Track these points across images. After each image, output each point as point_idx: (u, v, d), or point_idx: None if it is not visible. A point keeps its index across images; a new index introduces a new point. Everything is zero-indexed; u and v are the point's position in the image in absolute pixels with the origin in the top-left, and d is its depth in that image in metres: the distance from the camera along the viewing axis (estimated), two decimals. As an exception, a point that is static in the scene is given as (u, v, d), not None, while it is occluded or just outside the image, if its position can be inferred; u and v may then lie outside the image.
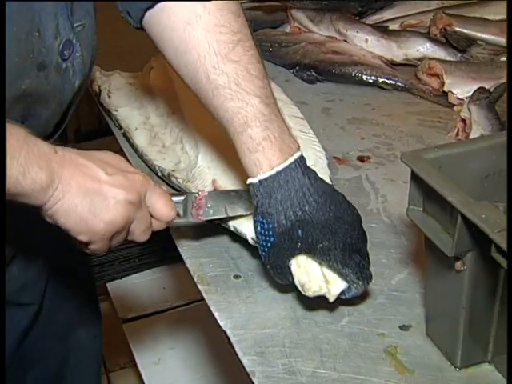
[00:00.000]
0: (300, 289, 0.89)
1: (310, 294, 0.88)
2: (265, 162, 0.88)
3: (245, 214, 0.98)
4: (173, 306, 2.14)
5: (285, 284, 0.92)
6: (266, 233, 0.89)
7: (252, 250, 1.02)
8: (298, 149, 0.92)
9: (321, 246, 0.87)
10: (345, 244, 0.88)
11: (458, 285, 0.79)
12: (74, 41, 0.90)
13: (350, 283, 0.89)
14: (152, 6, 0.97)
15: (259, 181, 0.89)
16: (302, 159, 0.90)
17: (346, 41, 1.61)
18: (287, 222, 0.88)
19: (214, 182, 1.07)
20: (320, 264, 0.89)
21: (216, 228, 1.06)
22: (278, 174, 0.88)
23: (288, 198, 0.88)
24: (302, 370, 0.84)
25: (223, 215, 0.99)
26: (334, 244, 0.87)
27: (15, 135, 0.76)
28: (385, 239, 1.05)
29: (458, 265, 0.77)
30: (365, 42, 1.59)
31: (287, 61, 1.57)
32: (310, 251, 0.88)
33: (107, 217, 0.82)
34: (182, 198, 0.97)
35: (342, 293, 0.90)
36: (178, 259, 1.05)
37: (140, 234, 0.88)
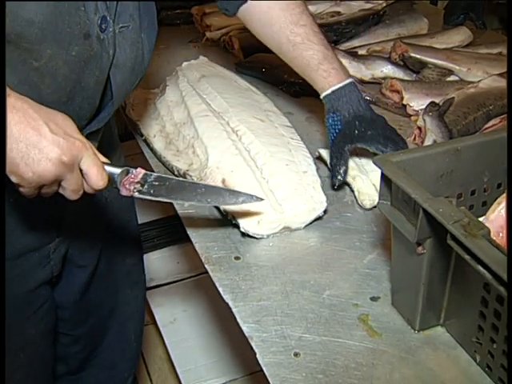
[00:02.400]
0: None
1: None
2: (335, 80, 1.10)
3: (173, 202, 0.91)
4: (185, 277, 2.12)
5: (337, 176, 1.08)
6: (336, 123, 1.09)
7: (248, 235, 0.99)
8: (351, 77, 1.14)
9: (369, 133, 1.08)
10: (385, 132, 1.09)
11: (419, 265, 0.77)
12: (108, 17, 0.87)
13: None
14: (245, 2, 1.15)
15: (332, 91, 1.09)
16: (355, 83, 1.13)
17: (323, 63, 1.58)
18: (349, 115, 1.09)
19: (223, 180, 1.03)
20: (368, 147, 1.08)
21: (219, 219, 1.04)
22: (344, 86, 1.10)
23: (350, 100, 1.09)
24: (291, 335, 0.82)
25: (151, 198, 0.86)
26: (377, 132, 1.08)
27: None
28: (358, 226, 1.03)
29: (419, 249, 0.75)
30: (339, 64, 1.56)
31: (277, 79, 1.54)
32: (362, 138, 1.07)
33: (37, 169, 0.72)
34: (120, 170, 0.83)
35: None
36: (188, 239, 1.02)
37: (70, 192, 0.78)
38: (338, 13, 1.86)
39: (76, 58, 0.83)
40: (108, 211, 1.15)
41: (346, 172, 1.08)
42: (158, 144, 1.21)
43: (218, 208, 1.03)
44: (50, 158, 0.73)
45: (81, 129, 0.83)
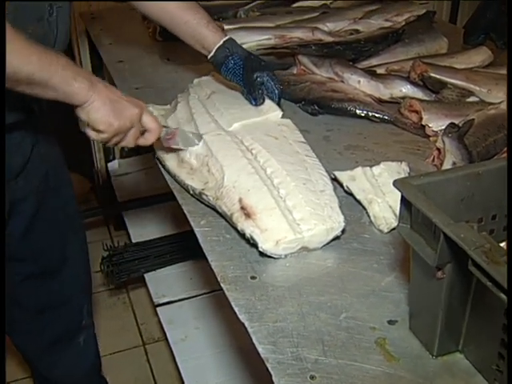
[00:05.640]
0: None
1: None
2: (222, 34, 1.36)
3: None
4: (198, 293, 2.12)
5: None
6: (237, 61, 1.32)
7: (265, 255, 0.99)
8: None
9: (262, 63, 1.35)
10: (266, 63, 1.37)
11: (438, 290, 0.77)
12: (52, 4, 1.14)
13: None
14: None
15: (224, 41, 1.33)
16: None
17: (342, 81, 1.58)
18: (244, 54, 1.34)
19: (240, 200, 1.04)
20: (263, 73, 1.32)
21: (235, 238, 1.04)
22: (230, 37, 1.35)
23: (238, 45, 1.36)
24: (307, 357, 0.82)
25: (183, 147, 1.20)
26: (264, 62, 1.35)
27: (66, 58, 1.01)
28: (375, 247, 1.03)
29: (439, 274, 0.75)
30: (358, 83, 1.56)
31: (294, 97, 1.55)
32: (260, 66, 1.33)
33: (122, 120, 1.05)
34: (165, 129, 1.17)
35: None
36: (202, 256, 1.03)
37: (131, 139, 1.09)
38: (357, 31, 1.87)
39: (31, 36, 1.04)
40: (44, 164, 1.35)
41: (262, 93, 1.32)
42: (170, 162, 1.21)
43: (234, 227, 1.03)
44: (129, 112, 1.06)
45: None
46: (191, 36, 1.34)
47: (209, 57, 1.35)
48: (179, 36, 1.37)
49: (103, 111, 1.02)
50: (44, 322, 1.55)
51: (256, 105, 1.31)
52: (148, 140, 1.13)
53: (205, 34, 1.33)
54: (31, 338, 1.58)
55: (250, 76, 1.31)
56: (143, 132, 1.11)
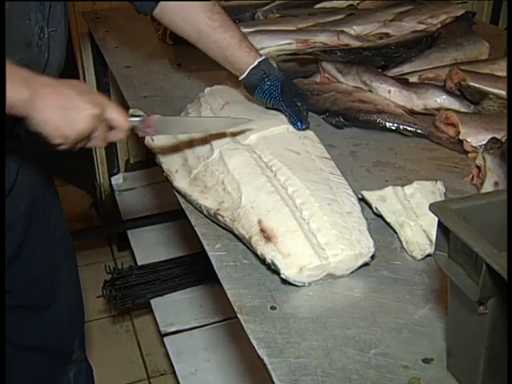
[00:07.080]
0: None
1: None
2: (257, 53, 1.34)
3: (179, 135, 1.27)
4: (209, 322, 2.12)
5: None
6: (274, 83, 1.32)
7: (286, 283, 0.99)
8: None
9: (300, 91, 1.36)
10: (304, 92, 1.40)
11: (480, 326, 0.76)
12: (44, 27, 1.13)
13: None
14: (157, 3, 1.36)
15: (259, 62, 1.32)
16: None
17: (370, 91, 1.59)
18: (281, 77, 1.34)
19: (259, 221, 1.04)
20: (300, 102, 1.32)
21: (253, 263, 1.04)
22: (266, 57, 1.35)
23: (275, 68, 1.36)
24: (332, 398, 0.81)
25: (161, 134, 1.23)
26: (302, 90, 1.38)
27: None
28: (407, 276, 1.02)
29: (481, 309, 0.74)
30: (388, 93, 1.56)
31: (318, 107, 1.55)
32: (298, 94, 1.34)
33: (78, 126, 0.97)
34: (138, 118, 1.13)
35: None
36: (214, 280, 1.03)
37: (99, 141, 1.03)
38: (387, 34, 1.88)
39: (19, 62, 1.01)
40: (31, 188, 1.36)
41: (306, 116, 1.32)
42: (180, 181, 1.22)
43: (253, 251, 1.03)
44: (86, 115, 0.97)
45: None
46: (221, 56, 1.35)
47: (240, 78, 1.35)
48: (208, 54, 1.37)
49: (53, 124, 0.96)
50: (30, 359, 1.56)
51: (302, 128, 1.29)
52: (117, 137, 1.07)
53: (236, 56, 1.33)
54: (15, 375, 1.56)
55: (291, 99, 1.31)
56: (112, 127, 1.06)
